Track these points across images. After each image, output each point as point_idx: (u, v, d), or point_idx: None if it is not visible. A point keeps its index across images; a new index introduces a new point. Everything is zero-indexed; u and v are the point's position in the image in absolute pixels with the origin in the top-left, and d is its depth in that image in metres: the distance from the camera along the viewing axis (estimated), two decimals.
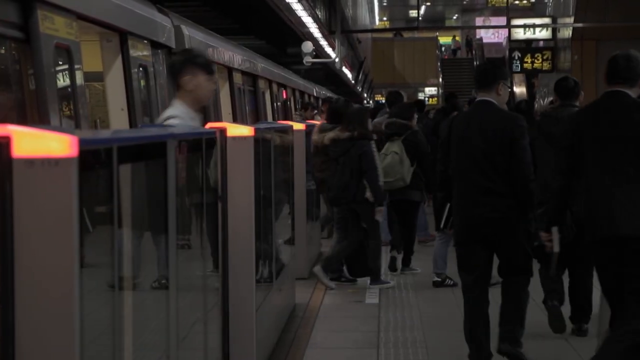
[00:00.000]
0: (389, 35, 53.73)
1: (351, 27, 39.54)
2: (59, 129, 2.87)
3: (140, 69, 8.32)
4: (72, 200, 2.83)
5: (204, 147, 5.32)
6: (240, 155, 6.24)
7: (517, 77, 42.30)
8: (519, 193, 6.59)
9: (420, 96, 51.68)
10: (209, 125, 6.19)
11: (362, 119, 10.28)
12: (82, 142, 2.88)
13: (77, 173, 2.84)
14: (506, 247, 6.71)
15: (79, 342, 2.84)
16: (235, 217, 6.18)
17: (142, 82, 8.40)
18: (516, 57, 35.72)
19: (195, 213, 5.15)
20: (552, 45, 35.58)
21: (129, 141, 3.74)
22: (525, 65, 35.28)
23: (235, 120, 12.95)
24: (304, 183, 11.17)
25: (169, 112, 5.84)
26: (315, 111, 18.09)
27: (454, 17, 71.87)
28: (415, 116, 11.47)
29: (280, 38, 25.53)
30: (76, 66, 6.52)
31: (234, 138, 6.19)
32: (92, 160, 3.13)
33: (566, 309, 8.10)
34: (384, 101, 36.62)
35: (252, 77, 15.38)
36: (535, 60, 35.29)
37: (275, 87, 18.59)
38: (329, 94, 30.69)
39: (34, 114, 5.90)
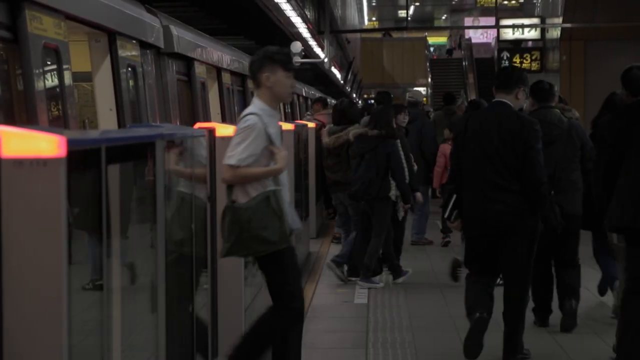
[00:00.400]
0: (378, 35, 53.76)
1: (340, 27, 39.54)
2: (48, 129, 2.87)
3: (129, 69, 8.31)
4: (60, 200, 2.83)
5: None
6: None
7: None
8: (531, 194, 6.89)
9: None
10: (197, 125, 6.20)
11: (388, 117, 10.47)
12: (71, 143, 2.88)
13: (65, 173, 2.84)
14: (512, 242, 6.93)
15: (67, 341, 2.84)
16: None
17: (131, 82, 8.39)
18: (505, 58, 35.78)
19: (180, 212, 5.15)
20: (541, 46, 35.66)
21: (118, 141, 3.74)
22: (514, 65, 35.33)
23: (224, 120, 12.94)
24: (293, 181, 11.16)
25: (248, 109, 5.87)
26: (308, 112, 18.03)
27: (443, 18, 71.92)
28: (406, 117, 11.44)
29: (269, 38, 25.51)
30: (64, 66, 6.51)
31: (223, 138, 6.19)
32: (81, 160, 3.13)
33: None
34: (372, 101, 36.57)
35: (241, 77, 15.38)
36: (524, 61, 35.36)
37: None
38: (318, 94, 30.69)
39: (22, 114, 5.89)
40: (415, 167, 11.12)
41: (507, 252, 6.98)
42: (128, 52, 8.26)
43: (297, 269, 5.98)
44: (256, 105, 5.89)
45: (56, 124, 6.30)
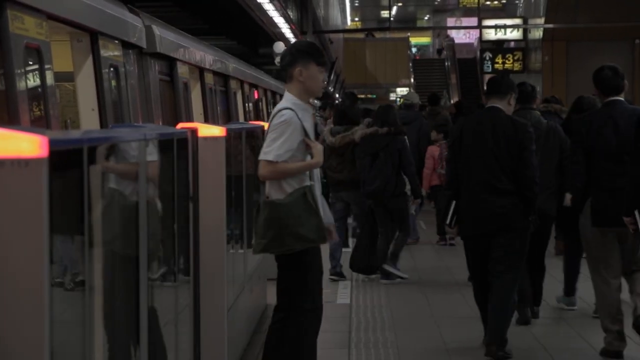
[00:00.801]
0: (361, 35, 53.79)
1: (323, 27, 39.54)
2: (29, 129, 2.85)
3: (111, 69, 8.29)
4: (42, 201, 2.82)
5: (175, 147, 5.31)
6: (211, 156, 6.23)
7: (489, 78, 42.43)
8: (524, 193, 7.25)
9: (392, 97, 51.81)
10: (179, 125, 6.18)
11: (394, 115, 10.84)
12: (53, 143, 2.86)
13: (47, 174, 2.83)
14: (506, 240, 7.27)
15: (48, 341, 2.83)
16: (207, 217, 6.17)
17: (113, 83, 8.36)
18: (487, 58, 35.86)
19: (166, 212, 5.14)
20: (523, 46, 35.76)
21: (100, 142, 3.73)
22: (497, 65, 35.42)
23: (206, 120, 12.92)
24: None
25: (281, 104, 5.85)
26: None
27: (426, 18, 71.99)
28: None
29: (251, 38, 25.49)
30: (46, 66, 6.48)
31: (205, 138, 6.18)
32: (63, 160, 3.12)
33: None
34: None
35: (223, 78, 15.35)
36: (506, 61, 35.44)
37: (247, 87, 18.57)
38: None
39: (3, 114, 5.86)
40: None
41: (499, 249, 7.28)
42: (110, 52, 8.24)
43: (320, 269, 5.93)
44: (289, 99, 5.87)
45: (38, 124, 6.27)
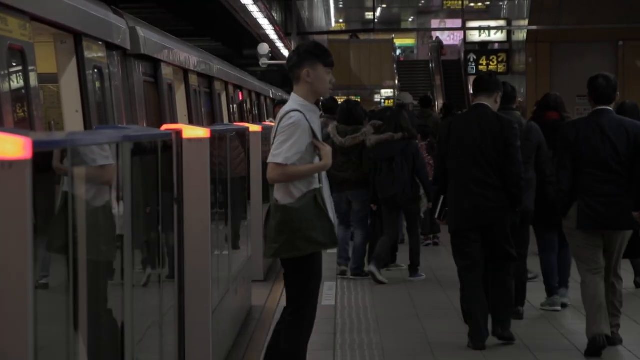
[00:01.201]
0: (345, 37, 53.78)
1: (307, 29, 39.56)
2: (13, 131, 2.85)
3: (95, 70, 8.27)
4: (26, 202, 2.81)
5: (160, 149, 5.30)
6: (196, 157, 6.22)
7: (473, 80, 42.49)
8: (511, 187, 7.55)
9: (377, 98, 51.83)
10: (164, 127, 6.17)
11: (406, 118, 11.15)
12: (36, 144, 2.86)
13: (31, 175, 2.82)
14: (496, 233, 7.59)
15: (32, 343, 2.82)
16: (191, 219, 6.17)
17: (97, 84, 8.35)
18: (471, 60, 35.95)
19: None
20: (507, 48, 35.84)
21: (84, 143, 3.72)
22: (481, 67, 35.50)
23: (191, 121, 12.90)
24: (260, 184, 11.17)
25: (288, 106, 5.81)
26: (271, 118, 18.03)
27: (410, 20, 72.05)
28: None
29: (236, 40, 25.49)
30: (30, 68, 6.47)
31: (190, 140, 6.17)
32: (47, 162, 3.11)
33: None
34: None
35: (208, 79, 15.34)
36: (491, 63, 35.53)
37: (231, 88, 18.56)
38: (286, 96, 30.65)
39: None
40: None
41: (491, 243, 7.62)
42: (94, 53, 8.22)
43: (319, 276, 5.92)
44: (296, 101, 5.83)
45: (21, 126, 6.26)
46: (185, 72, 12.97)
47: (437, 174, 7.89)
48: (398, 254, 11.67)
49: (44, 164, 3.13)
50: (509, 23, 36.54)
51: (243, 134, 9.40)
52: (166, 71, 11.29)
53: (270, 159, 5.72)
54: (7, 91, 6.04)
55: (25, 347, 2.80)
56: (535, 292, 9.26)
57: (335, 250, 11.66)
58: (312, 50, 5.90)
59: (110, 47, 8.82)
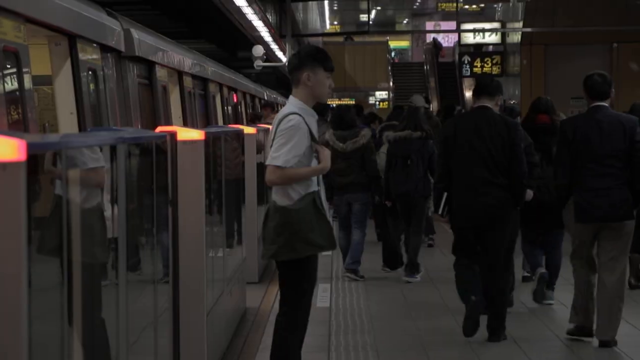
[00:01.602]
0: (340, 39, 53.79)
1: (302, 31, 39.56)
2: (7, 133, 2.85)
3: (90, 72, 8.27)
4: (20, 204, 2.81)
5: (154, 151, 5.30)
6: (190, 160, 6.22)
7: (467, 82, 42.55)
8: (515, 186, 7.86)
9: (371, 100, 51.82)
10: (158, 128, 6.17)
11: (423, 118, 11.44)
12: (31, 146, 2.86)
13: (25, 177, 2.82)
14: (498, 230, 7.87)
15: (26, 345, 2.82)
16: (186, 221, 6.17)
17: (92, 86, 8.34)
18: (466, 62, 35.94)
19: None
20: (502, 50, 35.84)
21: (78, 145, 3.72)
22: (475, 69, 35.50)
23: (185, 123, 12.90)
24: (255, 186, 11.17)
25: (287, 109, 5.83)
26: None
27: (405, 22, 72.06)
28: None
29: (230, 42, 25.47)
30: (24, 70, 6.46)
31: (185, 142, 6.17)
32: (41, 164, 3.11)
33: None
34: (333, 105, 36.57)
35: (202, 81, 15.34)
36: (485, 65, 35.52)
37: (225, 90, 18.56)
38: (280, 98, 30.68)
39: None
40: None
41: (493, 240, 7.89)
42: (89, 55, 8.22)
43: (313, 278, 5.93)
44: (294, 104, 5.85)
45: (16, 128, 6.25)
46: (180, 74, 12.96)
47: (441, 173, 8.09)
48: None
49: (38, 166, 3.13)
50: (503, 25, 36.55)
51: (237, 136, 9.40)
52: (161, 73, 11.29)
53: (269, 162, 5.73)
54: (2, 93, 6.03)
55: (20, 350, 2.80)
56: (525, 289, 9.49)
57: (329, 252, 11.67)
58: (313, 54, 5.93)
59: (104, 49, 8.82)
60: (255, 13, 21.45)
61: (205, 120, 15.29)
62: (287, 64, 6.07)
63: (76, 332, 3.62)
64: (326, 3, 57.73)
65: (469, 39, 36.54)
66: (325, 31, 60.21)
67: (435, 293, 10.13)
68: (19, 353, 2.79)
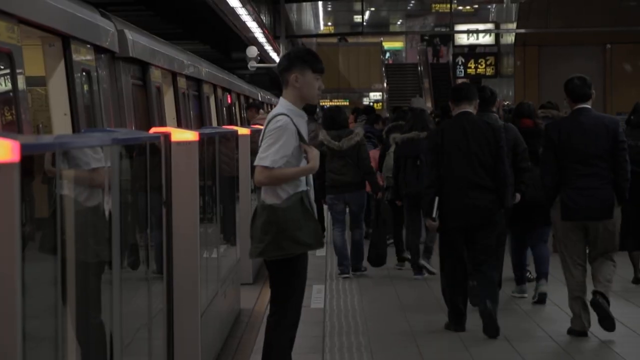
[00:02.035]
0: (334, 40, 53.84)
1: (296, 32, 39.56)
2: (1, 134, 2.84)
3: (83, 73, 8.26)
4: (14, 205, 2.80)
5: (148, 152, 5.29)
6: (184, 161, 6.22)
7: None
8: (500, 188, 8.18)
9: (365, 101, 51.85)
10: (152, 130, 6.16)
11: (431, 120, 11.73)
12: (25, 148, 2.85)
13: (19, 178, 2.82)
14: (486, 230, 8.18)
15: (21, 345, 2.82)
16: (180, 222, 6.16)
17: (85, 87, 8.33)
18: (460, 63, 36.01)
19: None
20: (495, 51, 35.89)
21: (72, 146, 3.71)
22: (469, 70, 35.56)
23: (179, 124, 12.89)
24: (249, 187, 11.17)
25: (276, 110, 5.87)
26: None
27: (399, 23, 72.10)
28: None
29: (224, 43, 25.48)
30: (18, 71, 6.45)
31: (179, 143, 6.17)
32: (35, 165, 3.10)
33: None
34: (327, 106, 36.58)
35: (196, 82, 15.33)
36: (479, 66, 35.59)
37: (219, 91, 18.55)
38: (274, 99, 30.66)
39: None
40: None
41: (482, 238, 8.18)
42: (82, 56, 8.21)
43: (304, 279, 5.95)
44: (283, 105, 5.89)
45: (9, 129, 6.24)
46: (174, 75, 12.95)
47: (432, 178, 8.31)
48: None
49: (31, 167, 3.13)
50: (497, 26, 36.61)
51: (231, 137, 9.40)
52: (155, 74, 11.28)
53: (257, 162, 5.76)
54: None
55: (15, 349, 2.80)
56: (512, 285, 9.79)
57: (324, 253, 11.70)
58: (302, 56, 5.95)
59: (98, 50, 8.81)
60: (249, 14, 21.47)
61: (200, 121, 15.28)
62: (277, 65, 6.09)
63: (77, 332, 3.61)
64: (320, 4, 57.74)
65: (463, 40, 36.59)
66: (319, 32, 60.23)
67: (429, 292, 10.14)
68: (13, 354, 2.79)
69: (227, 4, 19.37)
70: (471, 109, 8.38)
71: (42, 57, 7.84)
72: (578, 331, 7.98)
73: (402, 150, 11.25)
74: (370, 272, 11.40)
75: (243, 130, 11.34)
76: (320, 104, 51.08)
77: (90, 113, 8.44)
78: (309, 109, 13.67)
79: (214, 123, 16.95)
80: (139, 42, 10.30)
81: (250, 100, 22.89)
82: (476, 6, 52.90)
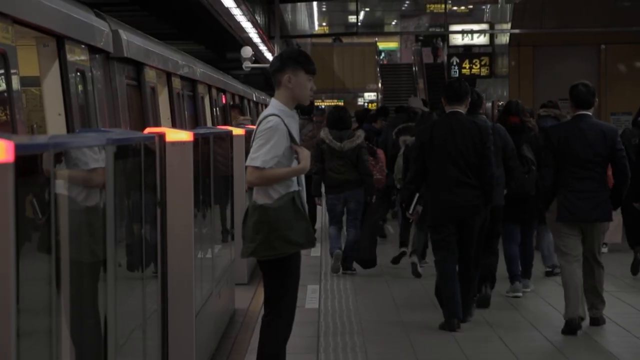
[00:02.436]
0: (329, 40, 53.82)
1: (290, 32, 39.55)
2: None
3: (78, 73, 8.25)
4: (8, 205, 2.80)
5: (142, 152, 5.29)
6: (179, 161, 6.22)
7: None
8: (485, 185, 8.41)
9: (360, 102, 51.85)
10: (147, 130, 6.16)
11: None
12: (19, 148, 2.85)
13: (13, 178, 2.82)
14: (472, 227, 8.47)
15: (15, 345, 2.82)
16: (175, 222, 6.16)
17: (80, 87, 8.32)
18: (454, 63, 36.01)
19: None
20: (490, 51, 35.90)
21: (66, 146, 3.71)
22: (464, 70, 35.57)
23: (174, 125, 12.88)
24: (244, 187, 11.17)
25: (267, 110, 5.88)
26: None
27: (393, 23, 72.11)
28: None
29: (219, 43, 25.47)
30: (12, 71, 6.45)
31: (173, 143, 6.16)
32: (29, 165, 3.10)
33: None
34: (322, 106, 36.51)
35: (191, 82, 15.32)
36: (474, 66, 35.60)
37: (214, 92, 18.54)
38: (269, 99, 30.62)
39: None
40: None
41: (466, 236, 8.46)
42: (77, 56, 8.20)
43: (297, 278, 5.96)
44: (275, 105, 5.90)
45: (4, 129, 6.24)
46: (169, 75, 12.95)
47: (414, 174, 8.67)
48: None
49: (25, 167, 3.13)
50: (491, 27, 36.63)
51: (226, 137, 9.40)
52: (149, 74, 11.27)
53: (248, 162, 5.78)
54: None
55: (9, 349, 2.80)
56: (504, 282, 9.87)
57: (318, 253, 11.71)
58: (294, 57, 5.97)
59: (93, 50, 8.80)
60: (244, 14, 21.46)
61: (194, 121, 15.28)
62: (269, 65, 6.10)
63: (71, 332, 3.61)
64: (315, 4, 57.76)
65: (458, 40, 36.60)
66: (314, 32, 60.21)
67: (423, 292, 10.14)
68: (7, 353, 2.79)
69: (222, 4, 19.36)
70: (462, 108, 8.59)
71: (37, 57, 7.84)
72: (572, 319, 8.06)
73: (409, 152, 11.33)
74: (365, 272, 11.41)
75: (238, 131, 11.34)
76: (315, 104, 51.08)
77: (85, 113, 8.43)
78: (306, 110, 13.74)
79: (209, 123, 16.94)
80: (133, 42, 10.29)
81: (237, 101, 22.89)
82: (471, 6, 52.95)
